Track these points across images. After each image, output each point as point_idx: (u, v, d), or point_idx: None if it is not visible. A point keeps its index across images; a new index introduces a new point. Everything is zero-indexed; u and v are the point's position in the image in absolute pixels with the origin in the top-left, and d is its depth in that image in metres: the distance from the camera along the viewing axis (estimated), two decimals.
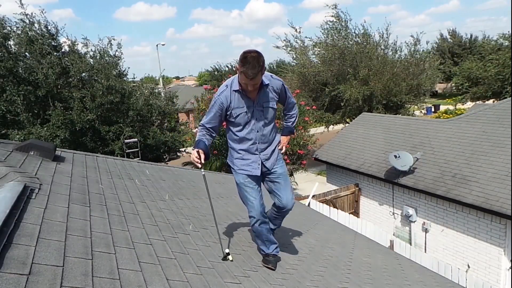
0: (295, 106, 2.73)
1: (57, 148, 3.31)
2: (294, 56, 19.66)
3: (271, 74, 2.48)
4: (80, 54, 11.69)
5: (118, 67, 12.19)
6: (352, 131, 12.32)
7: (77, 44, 11.74)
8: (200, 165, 2.33)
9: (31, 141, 3.18)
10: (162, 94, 15.11)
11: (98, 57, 11.87)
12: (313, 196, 9.58)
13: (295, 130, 2.48)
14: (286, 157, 11.17)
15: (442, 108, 32.54)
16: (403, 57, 18.62)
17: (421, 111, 24.00)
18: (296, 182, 14.65)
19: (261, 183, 2.64)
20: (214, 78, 42.28)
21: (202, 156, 2.32)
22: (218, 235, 2.56)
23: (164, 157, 14.23)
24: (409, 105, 19.27)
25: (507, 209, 6.67)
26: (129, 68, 18.28)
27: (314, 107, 15.47)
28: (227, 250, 2.42)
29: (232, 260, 2.40)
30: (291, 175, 12.43)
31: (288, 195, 2.57)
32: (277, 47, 19.72)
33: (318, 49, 18.79)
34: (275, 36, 47.26)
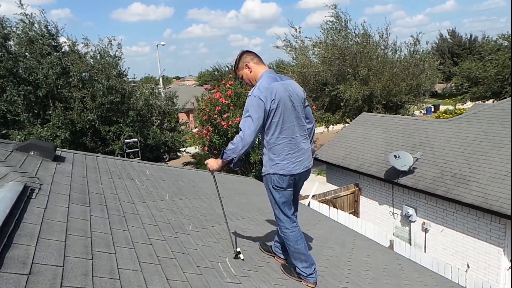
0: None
1: (57, 148, 3.31)
2: (294, 56, 19.67)
3: (260, 86, 2.25)
4: (80, 54, 11.70)
5: (118, 67, 12.20)
6: (352, 131, 12.31)
7: (78, 44, 11.75)
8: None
9: (31, 141, 3.18)
10: (162, 94, 15.14)
11: (98, 57, 11.88)
12: (313, 196, 9.58)
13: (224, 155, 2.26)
14: None
15: (442, 108, 32.58)
16: (402, 57, 18.63)
17: (420, 111, 23.99)
18: None
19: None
20: (214, 78, 42.27)
21: None
22: (229, 234, 2.69)
23: (164, 157, 14.27)
24: (409, 105, 19.28)
25: (507, 209, 6.67)
26: (129, 68, 18.27)
27: (314, 107, 15.46)
28: (238, 249, 2.50)
29: (243, 259, 2.47)
30: None
31: None
32: (277, 47, 19.73)
33: (318, 49, 18.78)
34: (274, 36, 47.25)
